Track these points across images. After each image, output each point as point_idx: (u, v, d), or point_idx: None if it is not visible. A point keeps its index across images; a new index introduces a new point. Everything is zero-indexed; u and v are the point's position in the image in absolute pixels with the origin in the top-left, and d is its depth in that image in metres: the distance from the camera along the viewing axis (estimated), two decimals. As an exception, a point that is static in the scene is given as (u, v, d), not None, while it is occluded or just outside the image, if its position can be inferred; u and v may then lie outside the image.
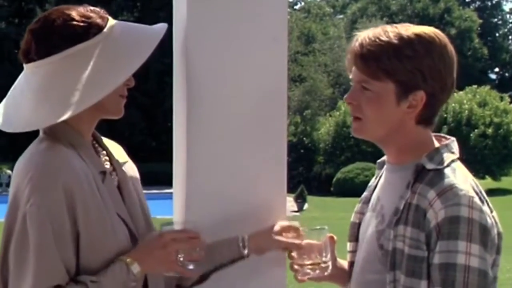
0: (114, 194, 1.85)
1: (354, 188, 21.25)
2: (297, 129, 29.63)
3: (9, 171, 23.09)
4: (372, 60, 1.76)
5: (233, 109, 2.13)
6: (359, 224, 1.94)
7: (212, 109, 2.11)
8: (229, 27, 2.12)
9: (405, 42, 1.75)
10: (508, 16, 57.81)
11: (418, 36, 1.77)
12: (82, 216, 1.73)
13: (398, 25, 1.81)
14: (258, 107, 2.13)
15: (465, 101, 26.46)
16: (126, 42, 1.80)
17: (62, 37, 1.77)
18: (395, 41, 1.75)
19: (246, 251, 1.98)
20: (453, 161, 1.79)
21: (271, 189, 2.14)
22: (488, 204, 1.75)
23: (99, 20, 1.80)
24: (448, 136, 1.89)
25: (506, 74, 51.73)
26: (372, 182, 1.99)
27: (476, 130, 25.68)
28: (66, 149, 1.78)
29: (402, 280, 1.72)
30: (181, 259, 1.81)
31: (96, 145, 1.93)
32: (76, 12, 1.80)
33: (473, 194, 1.71)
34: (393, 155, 1.86)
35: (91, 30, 1.78)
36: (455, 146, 1.84)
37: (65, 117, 1.72)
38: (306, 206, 19.41)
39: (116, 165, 1.93)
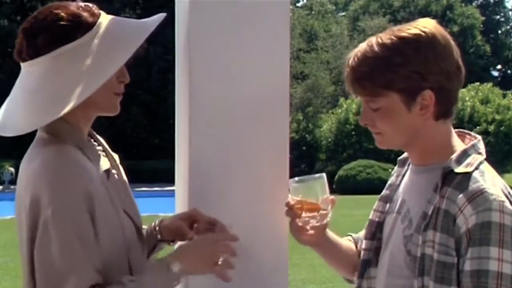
0: (119, 191, 1.86)
1: (356, 186, 21.24)
2: (299, 126, 29.61)
3: (11, 169, 23.06)
4: (366, 80, 1.74)
5: (235, 107, 2.12)
6: (378, 223, 1.92)
7: (215, 106, 2.11)
8: (231, 24, 2.12)
9: (391, 50, 1.72)
10: (510, 13, 57.77)
11: (402, 38, 1.73)
12: (99, 218, 1.72)
13: (383, 34, 1.78)
14: (260, 104, 2.13)
15: (467, 98, 26.42)
16: (115, 38, 1.77)
17: (50, 37, 1.75)
18: (381, 53, 1.73)
19: (158, 236, 2.00)
20: (480, 163, 1.75)
21: (274, 186, 2.14)
22: None
23: (89, 18, 1.77)
24: (472, 133, 1.85)
25: (509, 71, 51.65)
26: (394, 180, 1.95)
27: (478, 127, 25.63)
28: (75, 151, 1.77)
29: (431, 286, 1.69)
30: (220, 263, 1.82)
31: (93, 141, 1.92)
32: (65, 11, 1.77)
33: (503, 198, 1.68)
34: (418, 157, 1.83)
35: (79, 29, 1.75)
36: (481, 146, 1.80)
37: (53, 118, 1.71)
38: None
39: (112, 161, 1.93)
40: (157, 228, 2.00)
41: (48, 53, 1.75)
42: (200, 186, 2.11)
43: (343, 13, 49.32)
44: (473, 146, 1.79)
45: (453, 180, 1.72)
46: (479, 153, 1.78)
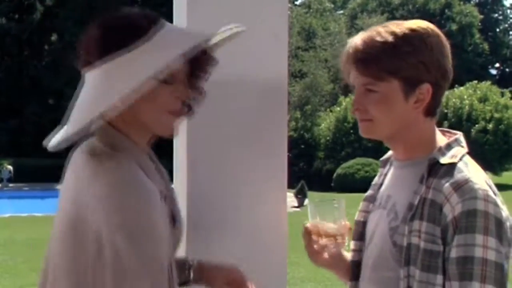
0: (167, 218, 1.73)
1: (355, 184, 21.23)
2: (297, 124, 29.60)
3: (10, 167, 23.06)
4: (373, 63, 1.76)
5: (234, 105, 2.12)
6: (363, 223, 1.94)
7: (213, 105, 2.11)
8: (230, 23, 2.12)
9: (401, 38, 1.76)
10: (508, 11, 57.83)
11: (412, 30, 1.78)
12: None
13: (388, 24, 1.82)
14: (259, 102, 2.13)
15: (465, 97, 26.41)
16: (162, 44, 1.62)
17: (101, 44, 1.64)
18: (392, 40, 1.76)
19: (191, 276, 1.92)
20: (463, 155, 1.80)
21: (272, 184, 2.14)
22: (499, 198, 1.76)
23: (143, 26, 1.64)
24: (452, 131, 1.90)
25: (507, 70, 51.69)
26: (377, 180, 1.98)
27: (476, 126, 25.64)
28: (139, 170, 1.63)
29: (417, 275, 1.72)
30: None
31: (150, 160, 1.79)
32: (118, 19, 1.68)
33: (487, 188, 1.72)
34: (402, 151, 1.86)
35: (131, 37, 1.62)
36: (463, 140, 1.85)
37: (76, 129, 1.59)
38: (306, 201, 19.41)
39: (166, 179, 1.81)
40: (191, 267, 1.92)
41: (98, 61, 1.63)
42: (198, 185, 2.11)
43: (342, 11, 49.33)
44: (456, 140, 1.84)
45: (438, 171, 1.76)
46: (462, 147, 1.83)
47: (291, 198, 18.10)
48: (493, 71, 51.05)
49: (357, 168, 23.01)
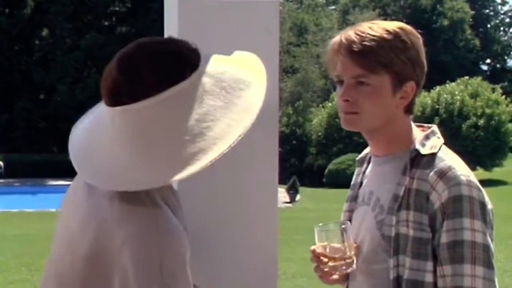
0: None
1: (346, 179, 21.13)
2: (289, 120, 29.66)
3: (0, 162, 22.98)
4: (372, 55, 1.79)
5: (226, 100, 2.12)
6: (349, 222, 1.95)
7: (204, 100, 2.11)
8: (221, 18, 2.11)
9: (394, 35, 1.81)
10: (499, 7, 58.01)
11: (401, 29, 1.83)
12: None
13: (375, 21, 1.87)
14: (251, 98, 2.13)
15: (456, 92, 26.48)
16: (225, 78, 1.57)
17: (158, 76, 1.51)
18: (386, 35, 1.80)
19: None
20: (441, 145, 1.86)
21: (263, 180, 2.14)
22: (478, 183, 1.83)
23: (193, 56, 1.56)
24: (426, 124, 1.95)
25: (498, 66, 51.81)
26: (355, 180, 2.02)
27: (467, 121, 25.72)
28: (171, 215, 1.58)
29: (407, 263, 1.77)
30: None
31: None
32: (165, 47, 1.57)
33: (469, 173, 1.80)
34: (383, 147, 1.90)
35: (187, 67, 1.53)
36: (438, 132, 1.91)
37: (172, 179, 1.52)
38: (298, 197, 19.44)
39: (182, 210, 1.74)
40: None
41: (155, 96, 1.50)
42: (188, 182, 2.10)
43: (333, 7, 49.34)
44: (432, 132, 1.90)
45: (420, 162, 1.82)
46: (438, 138, 1.89)
47: (282, 194, 18.11)
48: (484, 67, 51.18)
49: (348, 164, 23.05)
